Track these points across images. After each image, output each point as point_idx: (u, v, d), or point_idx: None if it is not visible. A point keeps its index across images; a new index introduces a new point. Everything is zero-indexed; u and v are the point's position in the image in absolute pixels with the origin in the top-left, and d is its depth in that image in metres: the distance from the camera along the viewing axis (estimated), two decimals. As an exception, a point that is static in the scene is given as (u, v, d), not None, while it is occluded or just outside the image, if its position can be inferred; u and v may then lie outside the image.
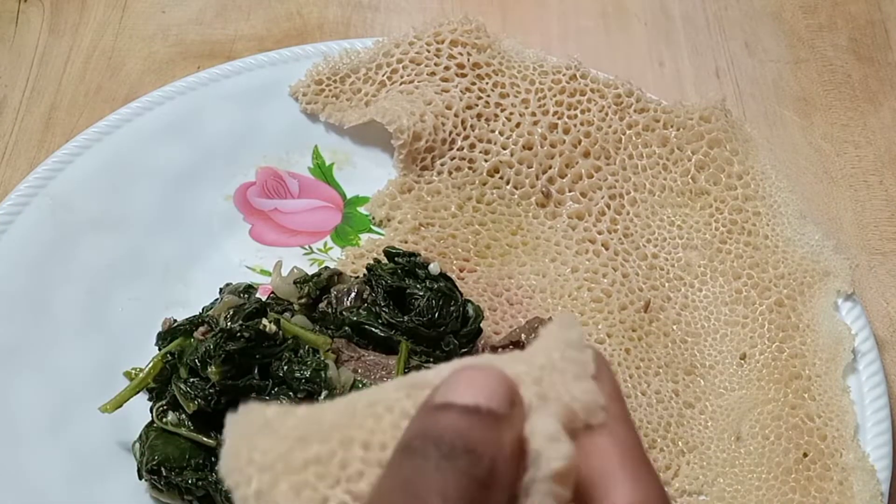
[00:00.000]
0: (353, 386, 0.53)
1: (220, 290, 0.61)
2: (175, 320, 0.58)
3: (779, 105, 0.78)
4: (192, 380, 0.53)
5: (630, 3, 0.84)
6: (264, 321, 0.53)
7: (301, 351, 0.54)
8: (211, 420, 0.53)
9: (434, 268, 0.58)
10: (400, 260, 0.59)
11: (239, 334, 0.52)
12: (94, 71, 0.76)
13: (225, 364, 0.52)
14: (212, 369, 0.52)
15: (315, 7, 0.82)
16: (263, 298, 0.59)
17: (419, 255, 0.59)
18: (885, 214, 0.73)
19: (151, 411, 0.55)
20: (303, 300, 0.58)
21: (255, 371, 0.53)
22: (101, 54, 0.77)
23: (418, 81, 0.70)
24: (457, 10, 0.81)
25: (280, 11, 0.81)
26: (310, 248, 0.66)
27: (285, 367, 0.53)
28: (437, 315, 0.57)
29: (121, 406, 0.54)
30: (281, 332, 0.54)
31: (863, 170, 0.75)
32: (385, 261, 0.59)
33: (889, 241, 0.71)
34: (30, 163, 0.70)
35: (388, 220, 0.67)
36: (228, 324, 0.53)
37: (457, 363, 0.27)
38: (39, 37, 0.78)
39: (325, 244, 0.66)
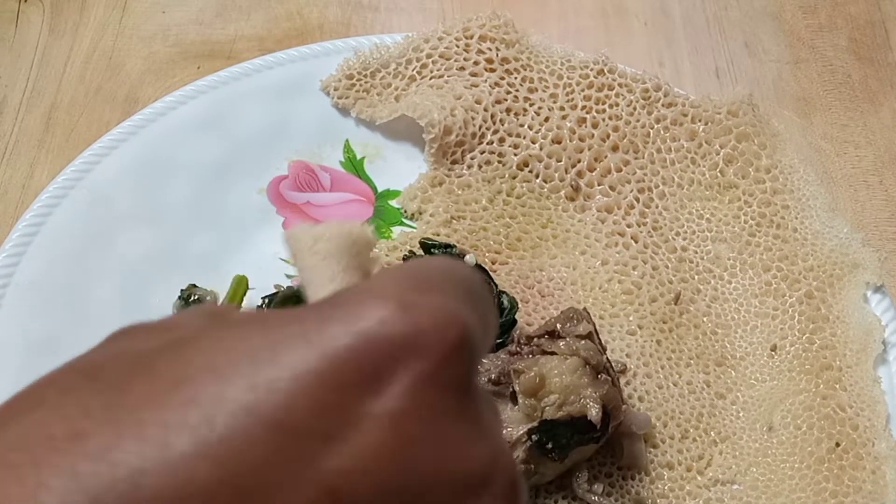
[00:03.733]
0: None
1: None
2: (212, 311, 0.59)
3: (779, 105, 0.78)
4: None
5: (630, 3, 0.84)
6: None
7: None
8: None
9: (470, 259, 0.59)
10: (436, 251, 0.59)
11: None
12: (94, 71, 0.76)
13: None
14: None
15: (315, 7, 0.82)
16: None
17: (455, 246, 0.60)
18: (885, 214, 0.73)
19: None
20: (340, 291, 0.58)
21: None
22: (101, 54, 0.78)
23: (448, 76, 0.70)
24: (457, 10, 0.81)
25: (280, 11, 0.81)
26: (342, 240, 0.66)
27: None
28: (472, 306, 0.57)
29: None
30: None
31: (863, 170, 0.75)
32: (421, 252, 0.60)
33: (889, 241, 0.71)
34: (30, 163, 0.71)
35: (420, 214, 0.67)
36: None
37: None
38: (39, 37, 0.78)
39: (358, 237, 0.66)
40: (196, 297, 0.59)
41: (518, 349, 0.55)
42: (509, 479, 0.24)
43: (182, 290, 0.60)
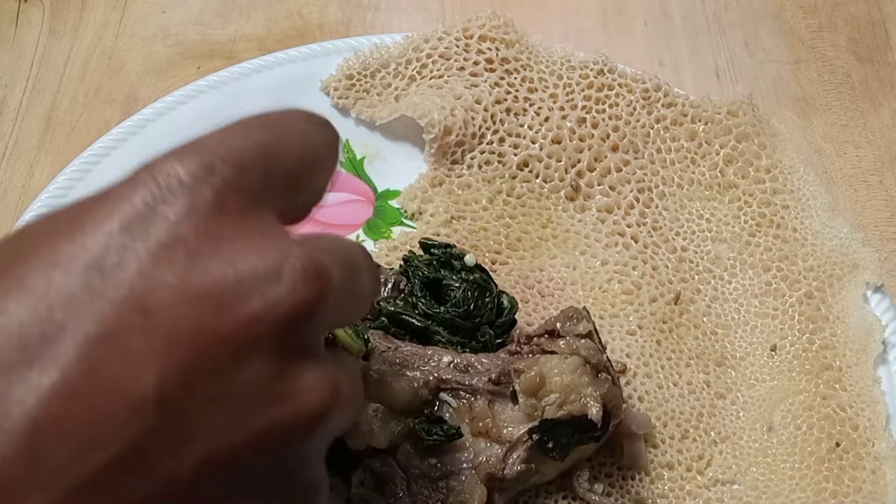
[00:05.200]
0: None
1: None
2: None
3: (779, 105, 0.78)
4: None
5: (630, 3, 0.84)
6: None
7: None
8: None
9: (469, 259, 0.59)
10: (436, 251, 0.59)
11: None
12: (94, 71, 0.76)
13: None
14: None
15: (315, 7, 0.82)
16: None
17: (454, 246, 0.60)
18: (885, 214, 0.73)
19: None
20: (340, 290, 0.58)
21: None
22: (101, 54, 0.78)
23: (448, 76, 0.70)
24: (457, 10, 0.81)
25: (280, 11, 0.81)
26: (342, 240, 0.66)
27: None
28: (472, 306, 0.57)
29: None
30: None
31: (863, 170, 0.75)
32: (421, 252, 0.60)
33: (889, 241, 0.71)
34: (30, 163, 0.71)
35: (420, 214, 0.67)
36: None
37: None
38: (39, 37, 0.78)
39: (358, 237, 0.66)
40: None
41: (518, 349, 0.55)
42: (301, 267, 0.28)
43: None
